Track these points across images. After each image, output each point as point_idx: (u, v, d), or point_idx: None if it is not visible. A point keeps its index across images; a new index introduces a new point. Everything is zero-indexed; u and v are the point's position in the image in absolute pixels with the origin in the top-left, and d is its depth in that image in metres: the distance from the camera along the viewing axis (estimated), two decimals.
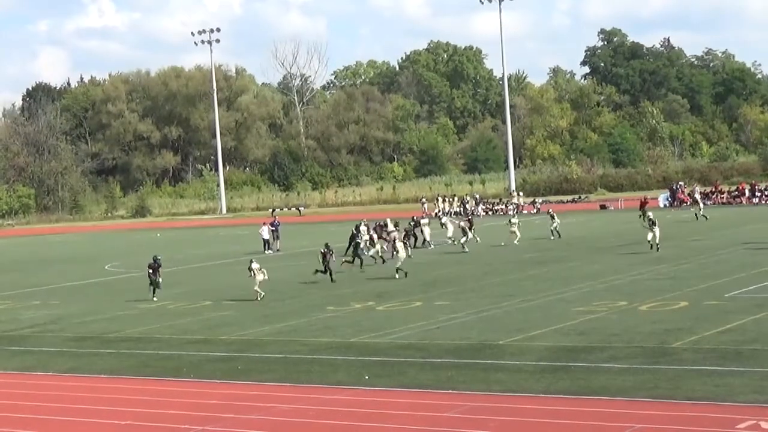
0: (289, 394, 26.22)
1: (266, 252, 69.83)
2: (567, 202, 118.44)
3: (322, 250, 50.20)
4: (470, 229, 63.15)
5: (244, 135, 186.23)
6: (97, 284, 58.43)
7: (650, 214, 55.39)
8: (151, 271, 47.96)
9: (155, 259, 48.39)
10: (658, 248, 52.75)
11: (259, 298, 44.92)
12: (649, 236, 53.52)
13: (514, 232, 64.35)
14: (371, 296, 43.81)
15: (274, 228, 73.06)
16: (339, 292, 46.45)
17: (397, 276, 49.19)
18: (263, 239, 71.71)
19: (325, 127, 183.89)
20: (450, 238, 66.60)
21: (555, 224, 66.29)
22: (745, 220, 70.96)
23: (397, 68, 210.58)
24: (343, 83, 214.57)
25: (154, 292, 47.84)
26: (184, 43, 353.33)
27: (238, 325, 38.37)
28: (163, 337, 36.95)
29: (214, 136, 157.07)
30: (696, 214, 72.64)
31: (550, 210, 69.75)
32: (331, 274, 49.84)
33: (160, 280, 48.00)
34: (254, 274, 45.28)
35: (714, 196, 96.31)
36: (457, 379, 26.41)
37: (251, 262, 46.48)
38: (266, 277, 45.77)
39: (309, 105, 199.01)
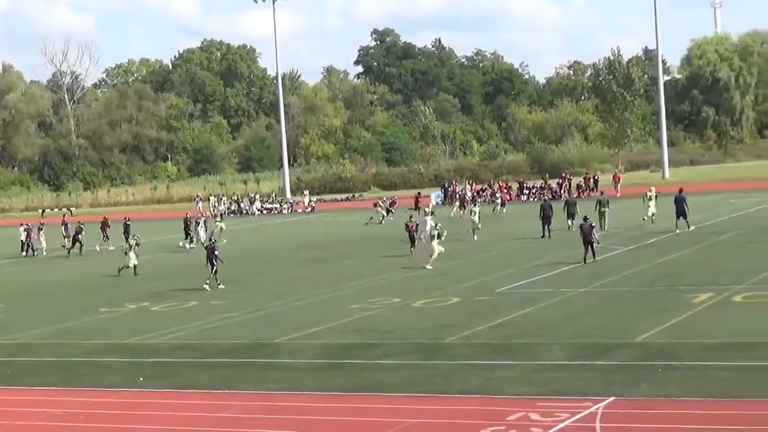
0: (61, 398, 25.64)
1: (23, 254, 68.65)
2: (341, 200, 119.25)
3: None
4: None
5: (12, 134, 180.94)
6: None
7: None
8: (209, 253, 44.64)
9: (211, 240, 46.52)
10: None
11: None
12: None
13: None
14: (146, 297, 43.22)
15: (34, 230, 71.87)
16: (113, 293, 45.71)
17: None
18: (21, 241, 70.20)
19: (96, 126, 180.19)
20: None
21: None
22: (515, 217, 72.63)
23: (170, 66, 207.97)
24: (116, 81, 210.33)
25: (214, 279, 44.25)
26: None
27: (8, 329, 37.33)
28: None
29: None
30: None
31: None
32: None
33: (217, 263, 44.32)
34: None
35: (484, 194, 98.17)
36: (233, 378, 26.31)
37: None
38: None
39: (80, 103, 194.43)
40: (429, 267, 46.24)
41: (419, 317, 33.81)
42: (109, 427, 22.63)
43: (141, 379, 26.96)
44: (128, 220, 68.43)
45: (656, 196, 60.65)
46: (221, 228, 70.51)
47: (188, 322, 35.89)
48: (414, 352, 28.03)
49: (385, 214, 78.70)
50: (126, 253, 52.16)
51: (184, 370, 27.76)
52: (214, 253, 44.55)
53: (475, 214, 61.16)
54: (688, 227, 55.02)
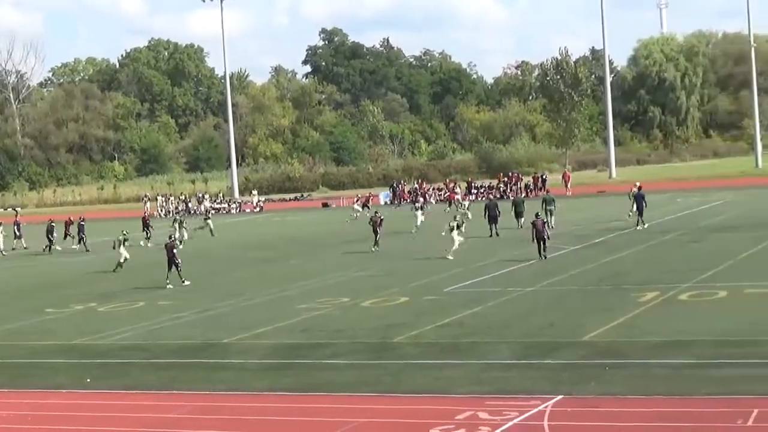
0: (8, 399, 25.43)
1: None
2: (289, 200, 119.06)
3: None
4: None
5: None
6: None
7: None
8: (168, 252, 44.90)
9: (170, 238, 46.39)
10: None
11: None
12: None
13: None
14: (93, 297, 42.97)
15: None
16: (59, 293, 45.44)
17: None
18: None
19: (42, 126, 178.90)
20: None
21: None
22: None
23: (117, 66, 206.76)
24: (62, 80, 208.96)
25: (178, 276, 44.67)
26: None
27: None
28: None
29: None
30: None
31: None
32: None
33: (178, 261, 44.71)
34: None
35: (434, 193, 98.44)
36: (181, 379, 26.23)
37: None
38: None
39: (25, 102, 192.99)
40: (450, 257, 47.73)
41: (367, 317, 33.85)
42: (57, 428, 22.49)
43: (88, 380, 26.80)
44: (83, 220, 68.35)
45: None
46: (210, 227, 71.64)
47: (136, 322, 35.71)
48: (362, 351, 28.06)
49: (361, 209, 79.73)
50: (116, 248, 52.42)
51: (132, 371, 27.63)
52: (172, 251, 44.62)
53: (464, 207, 64.36)
54: (636, 225, 55.62)
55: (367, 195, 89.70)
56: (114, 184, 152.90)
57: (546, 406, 21.05)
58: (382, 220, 55.53)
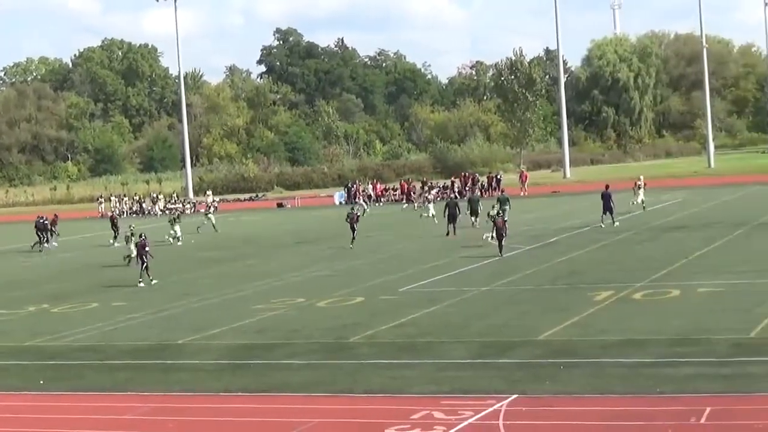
0: None
1: None
2: (244, 200, 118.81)
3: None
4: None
5: None
6: None
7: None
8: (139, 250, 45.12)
9: (141, 237, 46.11)
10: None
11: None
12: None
13: None
14: (46, 298, 42.68)
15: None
16: (11, 294, 45.09)
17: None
18: None
19: None
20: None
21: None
22: (419, 216, 72.69)
23: (71, 65, 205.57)
24: (14, 80, 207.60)
25: (139, 275, 44.74)
26: None
27: None
28: None
29: None
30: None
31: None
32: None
33: (147, 259, 44.75)
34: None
35: (388, 193, 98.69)
36: (136, 380, 26.07)
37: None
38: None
39: None
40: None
41: (323, 317, 33.80)
42: (9, 431, 22.30)
43: (41, 381, 26.59)
44: (46, 219, 68.56)
45: (645, 185, 67.79)
46: (213, 223, 72.66)
47: (89, 323, 35.49)
48: (318, 351, 28.01)
49: (364, 205, 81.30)
50: (128, 243, 52.96)
51: (86, 373, 27.44)
52: (144, 249, 44.55)
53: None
54: (613, 223, 56.22)
55: (361, 190, 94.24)
56: (67, 184, 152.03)
57: (501, 406, 21.09)
58: (358, 217, 56.17)
